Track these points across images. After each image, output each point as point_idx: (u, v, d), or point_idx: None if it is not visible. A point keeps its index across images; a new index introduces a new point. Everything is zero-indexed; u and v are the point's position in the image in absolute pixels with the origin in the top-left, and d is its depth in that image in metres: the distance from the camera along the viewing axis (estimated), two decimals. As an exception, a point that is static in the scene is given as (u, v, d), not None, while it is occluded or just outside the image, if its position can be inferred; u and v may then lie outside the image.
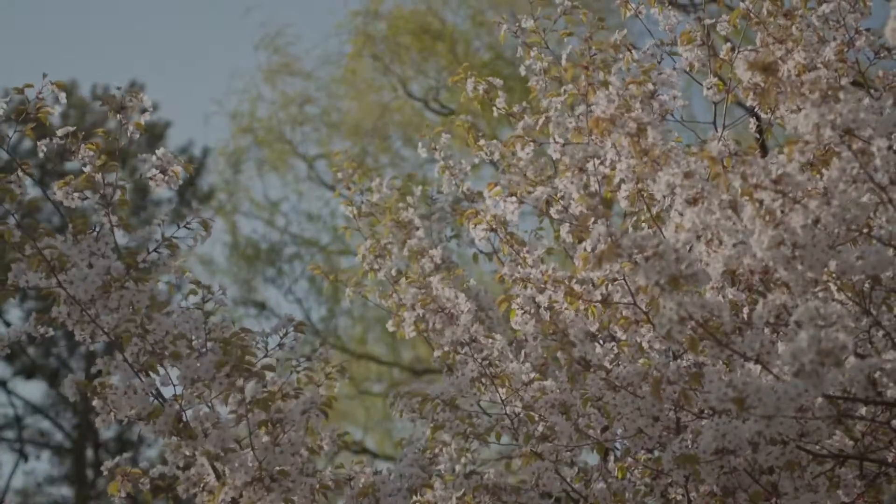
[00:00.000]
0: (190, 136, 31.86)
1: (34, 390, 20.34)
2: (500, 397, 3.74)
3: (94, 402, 3.45)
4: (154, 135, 18.44)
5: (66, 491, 17.98)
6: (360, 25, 15.34)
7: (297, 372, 3.86)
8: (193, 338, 3.48)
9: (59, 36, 29.68)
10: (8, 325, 17.71)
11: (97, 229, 3.57)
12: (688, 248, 3.27)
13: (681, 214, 3.22)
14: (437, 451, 3.82)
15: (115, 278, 3.42)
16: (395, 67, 15.47)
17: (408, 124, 15.48)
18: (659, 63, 4.32)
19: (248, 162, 16.95)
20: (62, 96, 3.72)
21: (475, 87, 4.76)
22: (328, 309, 16.53)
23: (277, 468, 3.46)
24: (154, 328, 3.40)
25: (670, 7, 4.48)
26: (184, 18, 29.35)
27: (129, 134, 3.77)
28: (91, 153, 3.66)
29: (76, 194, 3.65)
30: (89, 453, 18.04)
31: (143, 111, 3.79)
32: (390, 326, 4.74)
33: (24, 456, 18.08)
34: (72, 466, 18.00)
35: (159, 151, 3.77)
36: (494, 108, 4.74)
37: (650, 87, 4.06)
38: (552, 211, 3.96)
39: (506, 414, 3.74)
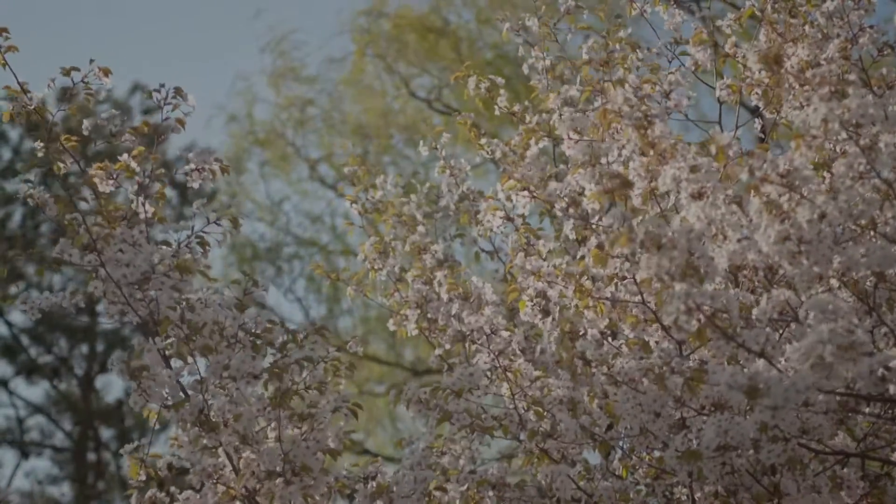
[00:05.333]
0: (192, 136, 31.85)
1: (35, 391, 20.35)
2: (511, 391, 3.73)
3: (131, 385, 3.47)
4: (155, 136, 18.38)
5: (66, 491, 17.99)
6: (365, 24, 15.36)
7: (325, 362, 3.87)
8: (227, 325, 3.52)
9: (61, 37, 29.71)
10: (9, 325, 17.71)
11: (127, 217, 3.64)
12: (700, 241, 3.26)
13: (684, 209, 3.21)
14: (443, 449, 3.81)
15: (154, 268, 3.48)
16: (398, 66, 15.49)
17: (410, 124, 15.48)
18: (669, 63, 4.32)
19: (250, 163, 16.98)
20: (108, 81, 3.83)
21: (477, 86, 4.75)
22: (328, 309, 16.52)
23: (300, 463, 3.47)
24: (194, 318, 3.45)
25: (675, 6, 4.46)
26: (187, 20, 29.37)
27: (170, 129, 3.85)
28: (133, 137, 3.73)
29: (111, 180, 3.69)
30: (90, 454, 18.03)
31: (190, 108, 3.88)
32: (391, 325, 4.73)
33: (24, 456, 18.08)
34: (72, 466, 17.99)
35: (196, 149, 3.90)
36: (496, 107, 4.73)
37: (666, 86, 4.05)
38: (557, 208, 3.95)
39: (514, 409, 3.73)
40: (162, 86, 3.88)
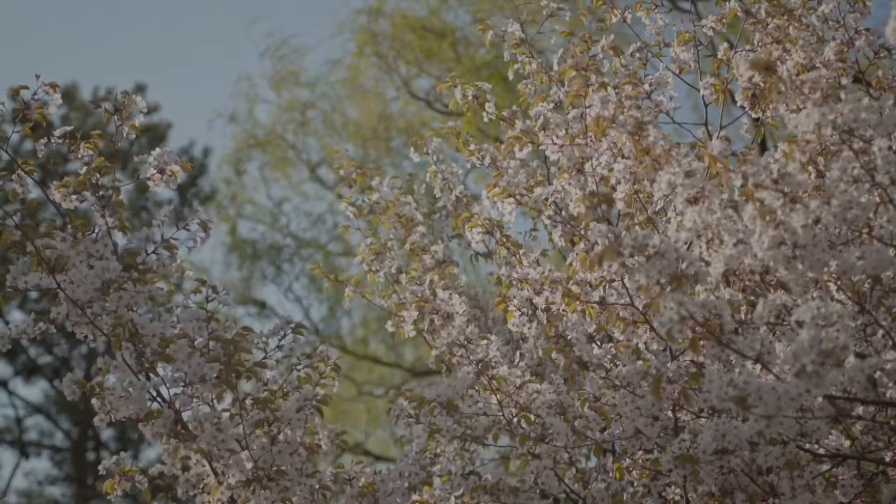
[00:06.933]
0: (192, 137, 31.89)
1: (34, 391, 20.36)
2: (497, 399, 3.73)
3: (93, 402, 3.46)
4: (156, 136, 18.48)
5: (66, 491, 17.99)
6: (364, 24, 15.35)
7: (298, 370, 3.86)
8: (197, 337, 3.49)
9: (60, 38, 29.71)
10: (8, 325, 17.68)
11: (96, 231, 3.58)
12: (687, 247, 3.27)
13: (680, 214, 3.21)
14: (438, 451, 3.82)
15: (112, 280, 3.43)
16: (397, 66, 15.49)
17: (410, 125, 15.49)
18: (645, 66, 4.33)
19: (250, 164, 17.00)
20: (57, 97, 3.73)
21: (464, 94, 4.74)
22: (329, 308, 16.54)
23: (275, 468, 3.46)
24: (145, 331, 3.42)
25: (657, 10, 4.48)
26: (187, 20, 29.38)
27: (125, 135, 3.77)
28: (90, 152, 3.67)
29: (73, 196, 3.66)
30: (89, 454, 18.04)
31: (140, 113, 3.80)
32: (390, 326, 4.74)
33: (24, 456, 18.09)
34: (72, 467, 18.00)
35: (157, 151, 3.78)
36: (484, 113, 4.73)
37: (646, 87, 4.06)
38: (544, 215, 3.96)
39: (502, 416, 3.74)
40: (109, 92, 3.81)
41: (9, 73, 28.43)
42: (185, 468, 3.65)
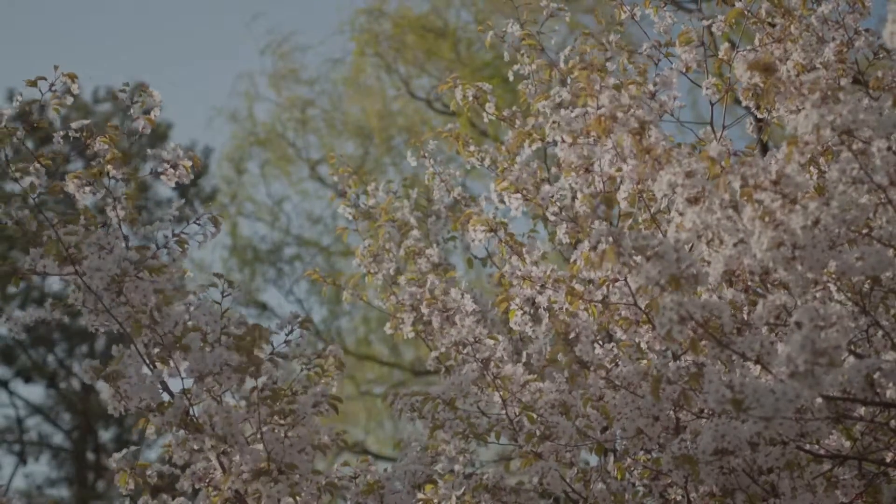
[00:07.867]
0: (192, 137, 31.87)
1: (35, 391, 20.35)
2: (501, 398, 3.74)
3: (105, 390, 3.45)
4: (156, 135, 18.47)
5: (66, 492, 17.99)
6: (365, 24, 15.35)
7: (308, 370, 3.86)
8: (209, 331, 3.50)
9: (60, 38, 29.70)
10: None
11: (106, 223, 3.60)
12: (688, 247, 3.27)
13: (681, 214, 3.21)
14: (438, 450, 3.83)
15: (125, 270, 3.45)
16: (398, 66, 15.49)
17: (410, 125, 15.49)
18: (656, 64, 4.33)
19: (250, 162, 17.01)
20: (75, 87, 3.74)
21: (464, 95, 4.74)
22: (329, 310, 16.55)
23: (285, 461, 3.46)
24: (163, 319, 3.42)
25: (665, 8, 4.48)
26: (187, 20, 29.37)
27: (140, 129, 3.79)
28: (105, 146, 3.69)
29: (87, 188, 3.67)
30: (89, 455, 18.04)
31: (151, 108, 3.82)
32: (388, 328, 4.75)
33: (22, 462, 18.08)
34: (72, 468, 18.00)
35: (169, 146, 3.80)
36: (485, 114, 4.73)
37: (651, 87, 4.06)
38: (549, 212, 3.96)
39: (505, 415, 3.74)
40: (126, 85, 3.82)
41: (8, 73, 28.42)
42: (192, 462, 3.65)
